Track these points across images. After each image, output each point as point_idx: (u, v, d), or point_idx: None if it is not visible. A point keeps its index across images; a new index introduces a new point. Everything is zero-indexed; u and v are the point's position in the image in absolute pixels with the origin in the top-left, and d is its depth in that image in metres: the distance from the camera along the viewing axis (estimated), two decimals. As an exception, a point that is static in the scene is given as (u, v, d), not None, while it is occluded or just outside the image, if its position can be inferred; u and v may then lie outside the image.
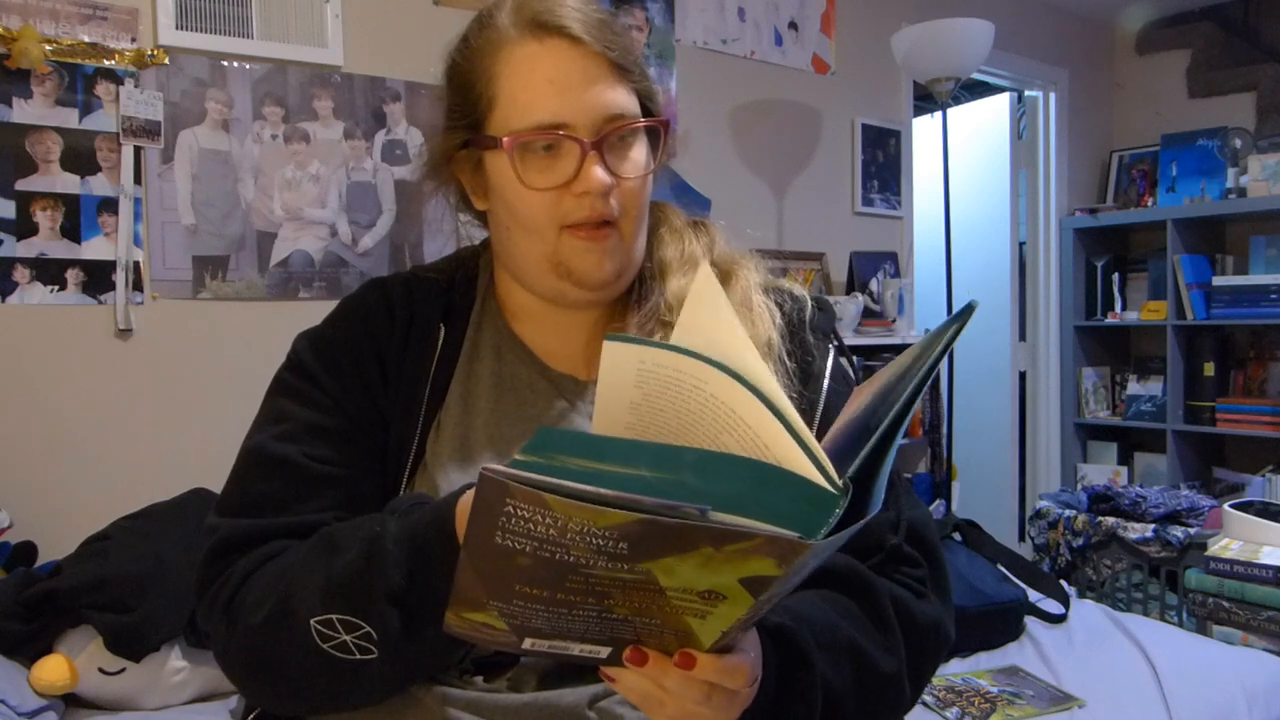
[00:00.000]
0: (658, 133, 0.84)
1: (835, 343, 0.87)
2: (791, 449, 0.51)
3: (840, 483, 0.49)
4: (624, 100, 0.79)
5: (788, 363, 0.81)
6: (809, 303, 0.87)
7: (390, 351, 0.82)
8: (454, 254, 0.93)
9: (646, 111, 0.82)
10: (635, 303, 0.84)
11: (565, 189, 0.77)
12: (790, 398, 0.77)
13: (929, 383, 0.53)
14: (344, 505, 0.76)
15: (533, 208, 0.78)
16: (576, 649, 0.57)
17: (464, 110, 0.81)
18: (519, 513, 0.47)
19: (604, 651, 0.58)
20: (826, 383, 0.83)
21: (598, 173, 0.76)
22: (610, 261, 0.79)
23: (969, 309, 0.55)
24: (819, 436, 0.79)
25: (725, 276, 0.84)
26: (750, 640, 0.61)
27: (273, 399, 0.83)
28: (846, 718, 0.70)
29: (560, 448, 0.49)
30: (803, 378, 0.81)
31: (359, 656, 0.67)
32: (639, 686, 0.58)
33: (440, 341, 0.83)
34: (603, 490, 0.45)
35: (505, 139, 0.77)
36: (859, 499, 0.49)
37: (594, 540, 0.48)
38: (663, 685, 0.57)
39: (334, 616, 0.66)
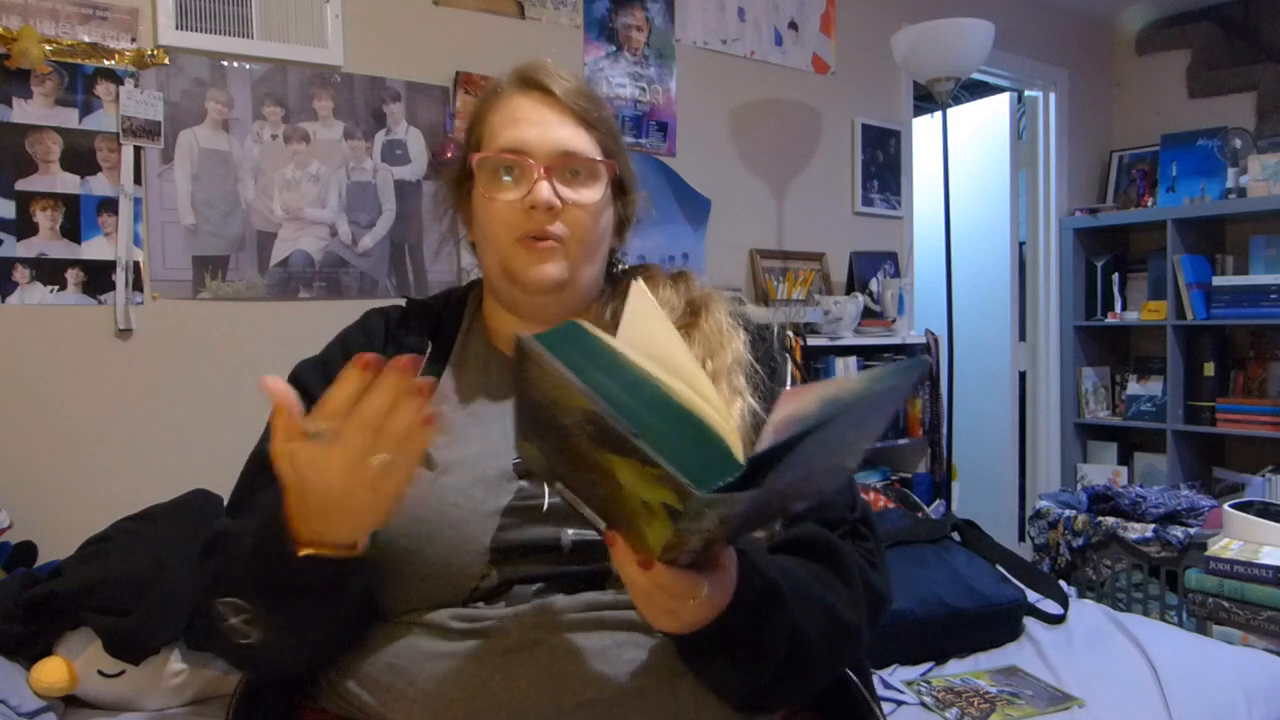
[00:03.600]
0: (622, 187, 1.00)
1: (792, 356, 1.03)
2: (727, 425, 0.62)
3: (742, 461, 0.58)
4: (582, 143, 0.94)
5: (759, 368, 0.94)
6: (775, 326, 1.02)
7: (385, 355, 0.91)
8: (448, 289, 1.10)
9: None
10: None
11: (519, 204, 0.92)
12: (763, 394, 0.94)
13: (857, 413, 0.60)
14: None
15: (492, 218, 0.94)
16: (586, 509, 0.67)
17: (466, 148, 0.99)
18: (533, 372, 0.61)
19: (602, 523, 0.67)
20: (789, 382, 0.98)
21: (544, 189, 0.91)
22: (550, 268, 0.93)
23: (921, 363, 0.66)
24: None
25: (699, 311, 0.98)
26: (720, 578, 0.70)
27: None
28: (814, 655, 0.81)
29: (572, 342, 0.62)
30: (771, 377, 0.95)
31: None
32: (619, 566, 0.68)
33: (428, 352, 0.97)
34: (573, 378, 0.57)
35: (475, 157, 0.95)
36: (753, 479, 0.57)
37: (573, 415, 0.59)
38: (623, 572, 0.67)
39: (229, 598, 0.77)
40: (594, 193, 0.95)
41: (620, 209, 1.02)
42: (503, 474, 0.89)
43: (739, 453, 0.59)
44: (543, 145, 0.93)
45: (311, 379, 0.94)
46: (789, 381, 0.97)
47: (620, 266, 1.07)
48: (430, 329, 1.00)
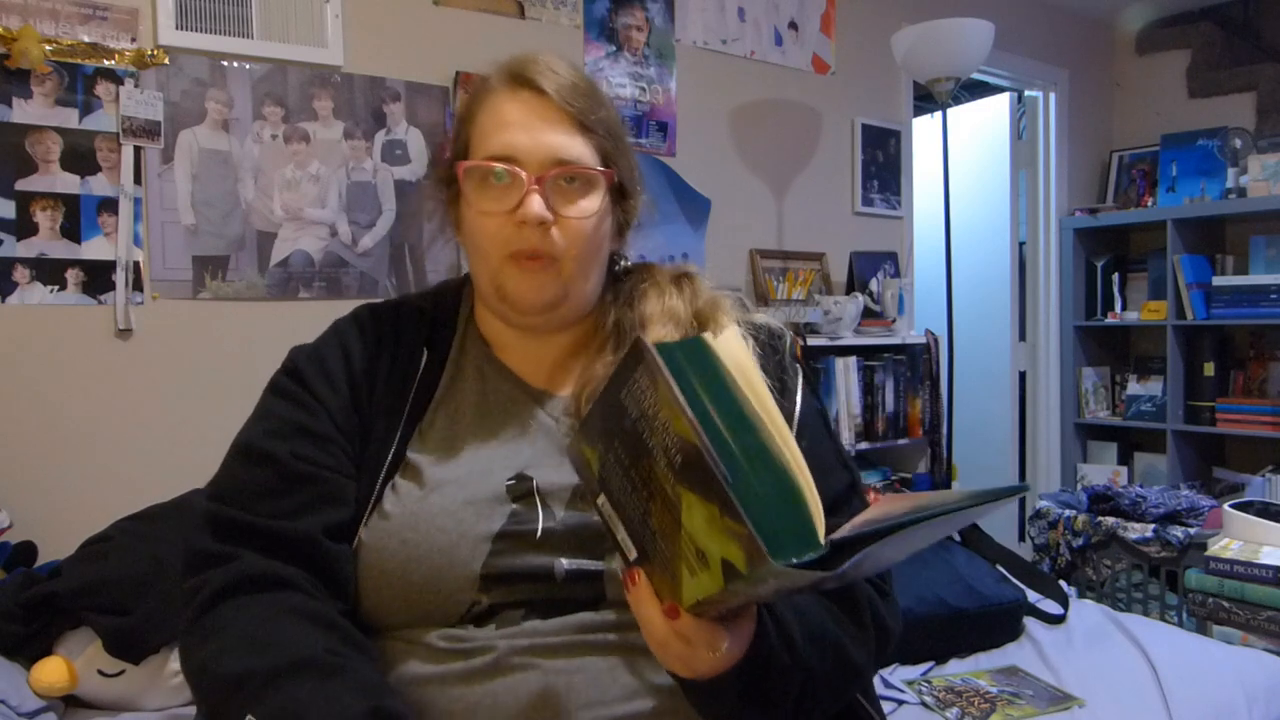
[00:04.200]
0: (623, 192, 0.93)
1: (803, 366, 0.97)
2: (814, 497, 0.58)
3: (824, 541, 0.55)
4: (576, 149, 0.86)
5: (769, 383, 0.88)
6: (787, 335, 0.96)
7: (378, 367, 0.91)
8: (441, 284, 1.03)
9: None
10: (612, 348, 0.92)
11: (509, 217, 0.85)
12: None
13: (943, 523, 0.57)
14: (320, 502, 0.83)
15: (481, 232, 0.87)
16: (621, 533, 0.64)
17: (453, 151, 0.92)
18: (640, 381, 0.58)
19: (633, 553, 0.64)
20: (800, 395, 0.93)
21: (535, 204, 0.84)
22: (544, 290, 0.87)
23: (1021, 489, 0.60)
24: (798, 440, 0.91)
25: (706, 322, 0.92)
26: (741, 628, 0.67)
27: (266, 400, 0.92)
28: (820, 697, 0.79)
29: (692, 361, 0.60)
30: (780, 391, 0.90)
31: None
32: (635, 604, 0.65)
33: (422, 364, 0.92)
34: (685, 403, 0.55)
35: (461, 165, 0.88)
36: (829, 562, 0.55)
37: (666, 438, 0.56)
38: (638, 612, 0.64)
39: None
40: (590, 203, 0.87)
41: (620, 214, 0.95)
42: (495, 495, 0.84)
43: (821, 530, 0.56)
44: (534, 153, 0.85)
45: (311, 374, 0.90)
46: (799, 397, 0.92)
47: (622, 264, 1.01)
48: (425, 333, 0.95)
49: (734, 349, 0.65)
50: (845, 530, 0.55)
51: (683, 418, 0.55)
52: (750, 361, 0.65)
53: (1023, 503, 3.86)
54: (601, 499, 0.65)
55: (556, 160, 0.85)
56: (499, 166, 0.85)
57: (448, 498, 0.84)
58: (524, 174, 0.84)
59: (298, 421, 0.87)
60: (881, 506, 0.57)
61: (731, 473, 0.53)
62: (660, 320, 0.91)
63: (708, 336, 0.64)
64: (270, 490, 0.83)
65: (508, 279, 0.87)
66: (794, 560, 0.52)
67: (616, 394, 0.61)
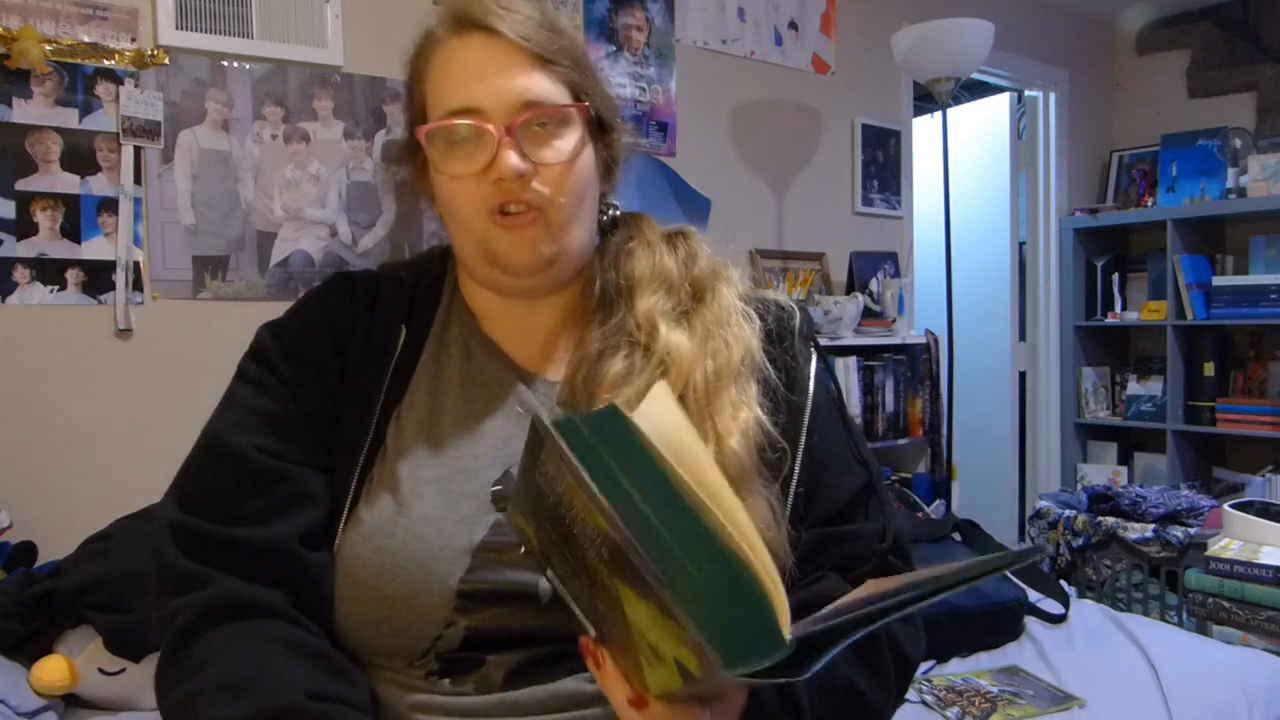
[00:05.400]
0: (603, 125, 0.85)
1: (816, 347, 0.88)
2: (773, 580, 0.51)
3: (789, 637, 0.47)
4: (542, 87, 0.78)
5: (770, 370, 0.81)
6: (797, 312, 0.87)
7: (351, 345, 0.83)
8: (425, 252, 0.94)
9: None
10: (599, 319, 0.84)
11: (484, 176, 0.77)
12: (778, 403, 0.80)
13: (940, 594, 0.51)
14: (292, 502, 0.77)
15: (457, 197, 0.79)
16: (576, 610, 0.57)
17: (410, 115, 0.85)
18: (547, 465, 0.50)
19: (593, 631, 0.57)
20: (812, 384, 0.84)
21: (509, 158, 0.76)
22: (536, 246, 0.79)
23: (1037, 552, 0.55)
24: (809, 436, 0.81)
25: (703, 293, 0.84)
26: (725, 703, 0.61)
27: (234, 385, 0.86)
28: None
29: (609, 438, 0.51)
30: (789, 384, 0.82)
31: None
32: (604, 688, 0.60)
33: (400, 341, 0.84)
34: (598, 494, 0.47)
35: (421, 130, 0.80)
36: (799, 661, 0.48)
37: (587, 529, 0.49)
38: (609, 695, 0.59)
39: None
40: (567, 143, 0.79)
41: (603, 150, 0.86)
42: (479, 502, 0.77)
43: (785, 625, 0.48)
44: (497, 101, 0.77)
45: (278, 355, 0.84)
46: (811, 387, 0.83)
47: (612, 213, 0.91)
48: (404, 308, 0.86)
49: (660, 415, 0.56)
50: (817, 619, 0.49)
51: (597, 512, 0.47)
52: (686, 430, 0.55)
53: (1022, 503, 3.86)
54: (550, 572, 0.58)
55: (523, 104, 0.77)
56: (462, 123, 0.77)
57: (428, 504, 0.77)
58: (491, 127, 0.76)
59: (264, 411, 0.81)
60: (874, 586, 0.51)
61: (666, 570, 0.46)
62: (650, 283, 0.83)
63: (622, 405, 0.55)
64: (237, 492, 0.77)
65: (495, 241, 0.79)
66: (754, 666, 0.45)
67: (531, 474, 0.53)
